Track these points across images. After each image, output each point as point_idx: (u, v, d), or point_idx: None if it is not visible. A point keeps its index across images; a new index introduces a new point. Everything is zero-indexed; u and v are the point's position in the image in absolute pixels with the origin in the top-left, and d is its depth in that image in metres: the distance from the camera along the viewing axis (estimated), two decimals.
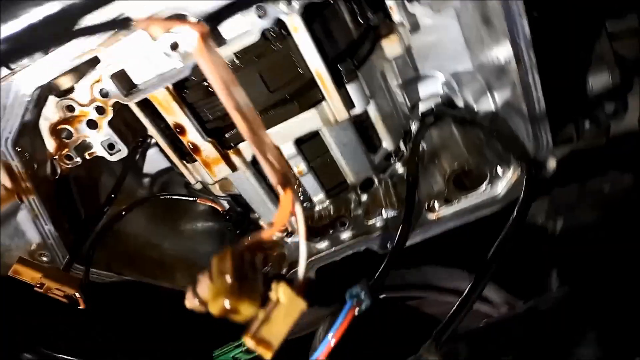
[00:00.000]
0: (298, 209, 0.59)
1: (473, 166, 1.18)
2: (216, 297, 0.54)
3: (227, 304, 0.54)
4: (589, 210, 1.24)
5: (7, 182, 1.01)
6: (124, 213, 1.27)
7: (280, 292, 0.57)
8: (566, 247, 1.21)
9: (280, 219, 0.58)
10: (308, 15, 1.01)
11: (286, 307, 0.57)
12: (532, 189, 1.05)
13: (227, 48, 0.98)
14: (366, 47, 1.17)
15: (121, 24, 0.48)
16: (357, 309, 0.79)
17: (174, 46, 0.96)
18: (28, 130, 1.01)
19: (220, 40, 0.96)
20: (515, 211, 1.03)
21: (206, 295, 0.55)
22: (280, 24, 0.99)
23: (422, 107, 1.38)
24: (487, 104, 1.24)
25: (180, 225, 1.48)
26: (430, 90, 1.35)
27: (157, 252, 1.38)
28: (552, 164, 1.09)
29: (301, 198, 1.27)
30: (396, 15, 1.22)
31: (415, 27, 1.25)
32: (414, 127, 1.34)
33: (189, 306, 0.58)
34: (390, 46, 1.22)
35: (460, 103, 1.30)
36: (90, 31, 0.67)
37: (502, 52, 1.02)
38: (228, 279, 0.55)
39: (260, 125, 0.55)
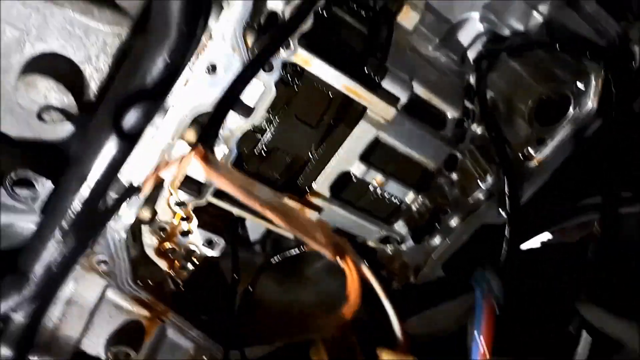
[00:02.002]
0: (365, 271, 0.57)
1: (550, 94, 1.06)
2: None
3: None
4: None
5: (146, 312, 1.14)
6: (250, 288, 1.35)
7: (384, 357, 0.56)
8: None
9: (353, 291, 0.57)
10: (310, 42, 0.99)
11: None
12: (622, 83, 0.92)
13: (257, 114, 1.01)
14: (383, 34, 1.13)
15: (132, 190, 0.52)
16: (492, 300, 0.74)
17: None
18: (140, 262, 1.13)
19: (244, 111, 0.99)
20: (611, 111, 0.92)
21: None
22: (290, 63, 1.00)
23: (472, 55, 1.28)
24: (534, 21, 1.11)
25: (305, 274, 1.53)
26: (472, 34, 1.25)
27: (296, 308, 1.44)
28: (635, 34, 0.94)
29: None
30: None
31: None
32: (472, 79, 1.25)
33: None
34: (407, 18, 1.16)
35: (506, 32, 1.18)
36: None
37: None
38: None
39: (291, 210, 0.56)
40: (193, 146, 0.51)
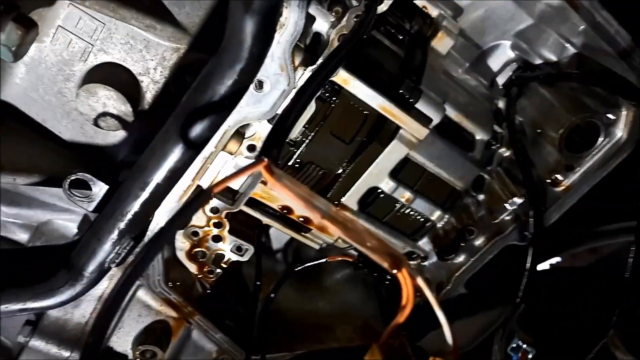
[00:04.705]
0: (421, 283, 0.60)
1: (580, 122, 1.08)
2: None
3: None
4: None
5: (174, 313, 1.17)
6: (272, 295, 1.37)
7: None
8: None
9: (407, 297, 0.59)
10: (350, 63, 1.03)
11: None
12: None
13: (295, 128, 1.04)
14: (418, 57, 1.16)
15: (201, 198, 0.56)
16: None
17: (251, 148, 1.04)
18: (171, 266, 1.17)
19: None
20: None
21: None
22: (329, 82, 1.03)
23: (501, 80, 1.31)
24: (566, 51, 1.14)
25: (325, 283, 1.56)
26: (502, 60, 1.28)
27: (314, 316, 1.47)
28: None
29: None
30: (433, 11, 1.19)
31: (457, 11, 1.21)
32: (501, 104, 1.28)
33: None
34: (441, 43, 1.20)
35: (537, 61, 1.21)
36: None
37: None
38: None
39: (350, 219, 0.58)
40: (258, 158, 0.55)
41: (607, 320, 0.84)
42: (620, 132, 1.04)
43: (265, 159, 0.55)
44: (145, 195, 0.68)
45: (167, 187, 0.71)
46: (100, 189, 0.76)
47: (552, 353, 1.17)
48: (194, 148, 0.66)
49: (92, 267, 0.71)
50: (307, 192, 0.56)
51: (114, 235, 0.68)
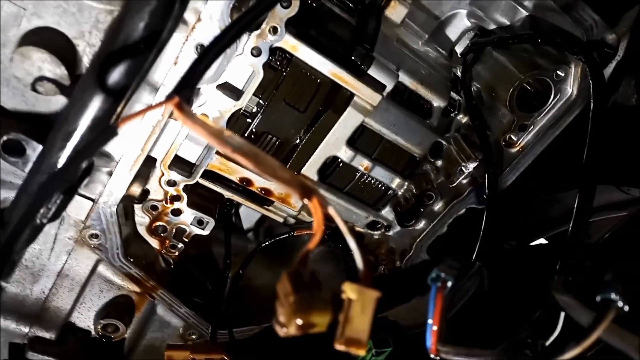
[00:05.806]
0: (331, 210, 0.60)
1: (531, 81, 1.09)
2: (289, 318, 0.58)
3: (299, 321, 0.57)
4: None
5: (135, 288, 1.17)
6: (241, 272, 1.38)
7: (348, 290, 0.59)
8: None
9: (317, 226, 0.60)
10: (299, 30, 1.04)
11: (360, 302, 0.59)
12: (599, 73, 0.95)
13: (245, 96, 1.05)
14: (371, 26, 1.16)
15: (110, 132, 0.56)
16: (445, 290, 0.76)
17: (203, 115, 1.05)
18: (132, 240, 1.17)
19: (233, 93, 1.03)
20: (592, 101, 0.94)
21: (283, 320, 0.59)
22: (279, 49, 1.04)
23: (460, 49, 1.32)
24: (518, 14, 1.14)
25: (296, 260, 1.56)
26: (459, 29, 1.28)
27: None
28: (611, 37, 0.97)
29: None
30: None
31: None
32: (459, 72, 1.28)
33: (282, 335, 0.62)
34: (395, 12, 1.20)
35: (492, 27, 1.21)
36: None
37: None
38: (291, 298, 0.58)
39: (260, 154, 0.59)
40: (170, 96, 0.55)
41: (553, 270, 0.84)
42: (570, 88, 1.04)
43: (176, 97, 0.56)
44: (70, 146, 0.69)
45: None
46: (34, 149, 0.77)
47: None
48: (113, 95, 0.67)
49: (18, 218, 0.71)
50: (219, 128, 0.57)
51: (43, 189, 0.69)
